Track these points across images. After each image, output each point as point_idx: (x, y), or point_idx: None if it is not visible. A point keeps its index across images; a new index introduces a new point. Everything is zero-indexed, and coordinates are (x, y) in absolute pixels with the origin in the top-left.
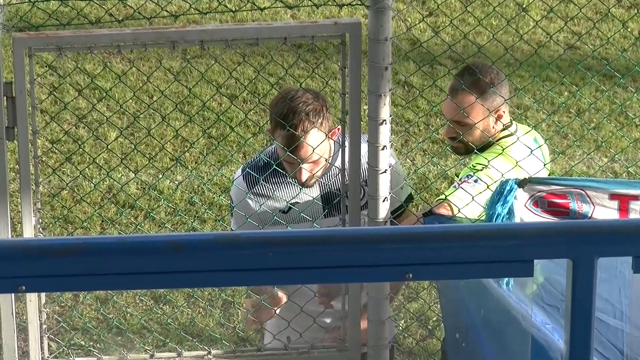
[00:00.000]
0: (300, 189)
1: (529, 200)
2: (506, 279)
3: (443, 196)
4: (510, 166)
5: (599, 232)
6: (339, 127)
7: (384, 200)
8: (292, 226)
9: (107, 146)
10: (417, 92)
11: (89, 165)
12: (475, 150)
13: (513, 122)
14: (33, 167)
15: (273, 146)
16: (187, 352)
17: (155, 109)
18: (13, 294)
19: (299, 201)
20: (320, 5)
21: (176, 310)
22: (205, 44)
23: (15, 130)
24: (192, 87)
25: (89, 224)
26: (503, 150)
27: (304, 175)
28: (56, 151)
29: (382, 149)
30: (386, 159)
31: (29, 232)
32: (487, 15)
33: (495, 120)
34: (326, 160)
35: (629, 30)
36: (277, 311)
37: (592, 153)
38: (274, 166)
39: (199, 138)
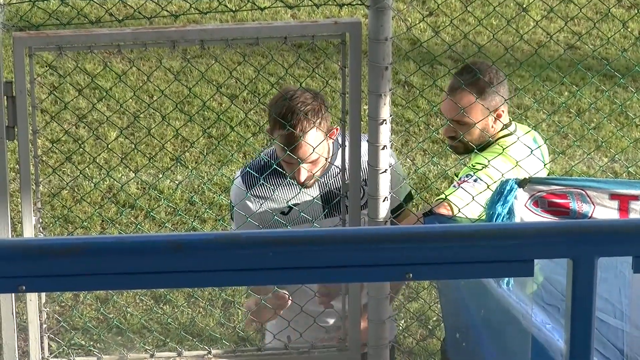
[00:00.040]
0: (299, 190)
1: (529, 200)
2: (506, 278)
3: (443, 196)
4: (510, 166)
5: (599, 232)
6: (338, 127)
7: (384, 200)
8: (292, 227)
9: (107, 146)
10: (417, 91)
11: (89, 164)
12: (476, 150)
13: (512, 122)
14: (33, 166)
15: (271, 148)
16: (188, 352)
17: (155, 109)
18: (13, 294)
19: (298, 202)
20: (320, 5)
21: (176, 310)
22: (205, 43)
23: (16, 129)
24: (192, 87)
25: (89, 223)
26: (503, 150)
27: (303, 175)
28: (56, 151)
29: (382, 148)
30: (386, 158)
31: (29, 231)
32: (487, 15)
33: (494, 119)
34: (326, 159)
35: (629, 30)
36: (280, 312)
37: (592, 153)
38: (275, 165)
39: (199, 138)
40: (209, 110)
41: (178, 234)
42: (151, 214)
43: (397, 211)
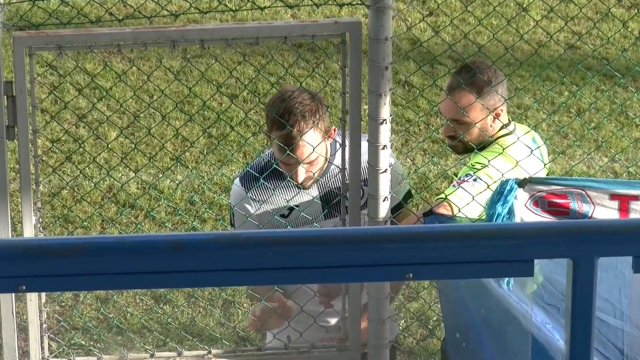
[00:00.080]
0: (298, 191)
1: (529, 200)
2: (506, 278)
3: (443, 196)
4: (510, 166)
5: (599, 232)
6: (335, 127)
7: (384, 200)
8: (292, 229)
9: (108, 145)
10: (418, 91)
11: (89, 164)
12: (476, 150)
13: (512, 121)
14: (33, 166)
15: (269, 150)
16: (188, 352)
17: (155, 109)
18: (13, 294)
19: (298, 203)
20: (320, 4)
21: (176, 310)
22: (205, 43)
23: (16, 129)
24: (192, 87)
25: (89, 223)
26: (504, 150)
27: (301, 176)
28: (56, 150)
29: (383, 148)
30: (386, 158)
31: (29, 231)
32: (488, 14)
33: (493, 118)
34: (326, 159)
35: (629, 30)
36: (285, 322)
37: (592, 153)
38: (275, 165)
39: (199, 137)
40: (209, 110)
41: (178, 234)
42: (151, 213)
43: (396, 210)
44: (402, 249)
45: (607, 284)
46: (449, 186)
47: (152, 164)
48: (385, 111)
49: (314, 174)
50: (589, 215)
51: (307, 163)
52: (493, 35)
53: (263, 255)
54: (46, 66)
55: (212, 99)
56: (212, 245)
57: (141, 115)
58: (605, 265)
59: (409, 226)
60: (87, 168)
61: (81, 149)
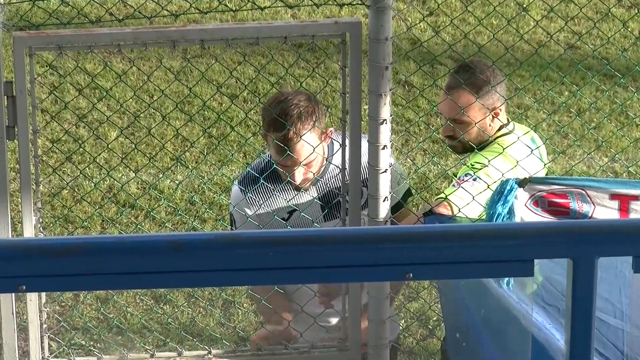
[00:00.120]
0: (295, 193)
1: (530, 200)
2: (506, 278)
3: (443, 195)
4: (509, 165)
5: (599, 232)
6: (332, 129)
7: (384, 200)
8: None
9: (108, 146)
10: (418, 91)
11: (90, 164)
12: (476, 150)
13: (511, 121)
14: (33, 166)
15: (266, 154)
16: (188, 352)
17: (155, 109)
18: (13, 294)
19: (297, 205)
20: (320, 4)
21: (176, 310)
22: (205, 43)
23: (16, 129)
24: (192, 87)
25: (89, 223)
26: (504, 149)
27: (298, 178)
28: (56, 150)
29: (383, 148)
30: (386, 158)
31: (29, 231)
32: (488, 14)
33: (492, 118)
34: (323, 160)
35: (629, 29)
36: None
37: (592, 153)
38: (274, 166)
39: (199, 137)
40: (209, 110)
41: (178, 234)
42: (151, 213)
43: (396, 209)
44: (402, 249)
45: (607, 284)
46: (449, 186)
47: (152, 164)
48: (386, 111)
49: (314, 174)
50: (589, 215)
51: (304, 165)
52: (493, 35)
53: (263, 255)
54: (46, 66)
55: (212, 99)
56: (212, 245)
57: (141, 115)
58: (605, 265)
59: (409, 226)
60: (87, 168)
61: (81, 149)
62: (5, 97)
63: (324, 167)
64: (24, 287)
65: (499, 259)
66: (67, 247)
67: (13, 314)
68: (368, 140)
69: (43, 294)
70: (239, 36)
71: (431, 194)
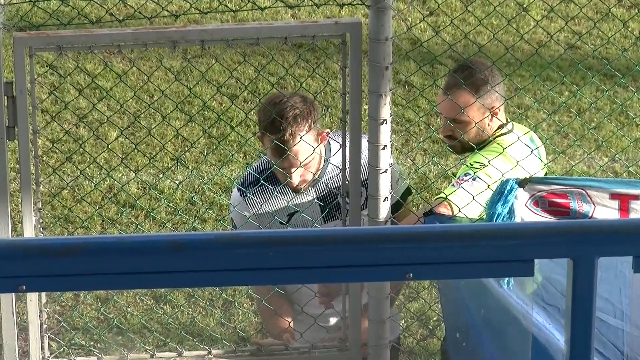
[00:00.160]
0: (293, 196)
1: (530, 200)
2: (506, 278)
3: (443, 195)
4: (509, 165)
5: (599, 232)
6: (328, 130)
7: (384, 200)
8: None
9: (108, 146)
10: (418, 91)
11: (90, 164)
12: (476, 149)
13: (510, 121)
14: (33, 166)
15: (262, 158)
16: (188, 352)
17: (155, 109)
18: (13, 294)
19: (296, 208)
20: (320, 4)
21: (177, 310)
22: (205, 43)
23: (16, 129)
24: (192, 87)
25: (89, 223)
26: (504, 149)
27: (295, 180)
28: (57, 151)
29: (383, 148)
30: (387, 158)
31: (29, 231)
32: (488, 14)
33: (490, 117)
34: (320, 161)
35: (629, 29)
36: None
37: (592, 153)
38: (273, 168)
39: (199, 138)
40: (210, 110)
41: (178, 234)
42: (151, 214)
43: (395, 208)
44: (402, 249)
45: (607, 284)
46: (448, 186)
47: (152, 164)
48: (386, 111)
49: (312, 174)
50: (590, 215)
51: (300, 167)
52: (493, 35)
53: (263, 255)
54: (46, 66)
55: (212, 99)
56: (212, 245)
57: (141, 115)
58: (605, 265)
59: (409, 226)
60: (87, 168)
61: (81, 149)
62: (6, 97)
63: (321, 168)
64: (24, 287)
65: (499, 259)
66: (67, 247)
67: (13, 314)
68: (368, 140)
69: (43, 294)
70: (239, 36)
71: (431, 194)
